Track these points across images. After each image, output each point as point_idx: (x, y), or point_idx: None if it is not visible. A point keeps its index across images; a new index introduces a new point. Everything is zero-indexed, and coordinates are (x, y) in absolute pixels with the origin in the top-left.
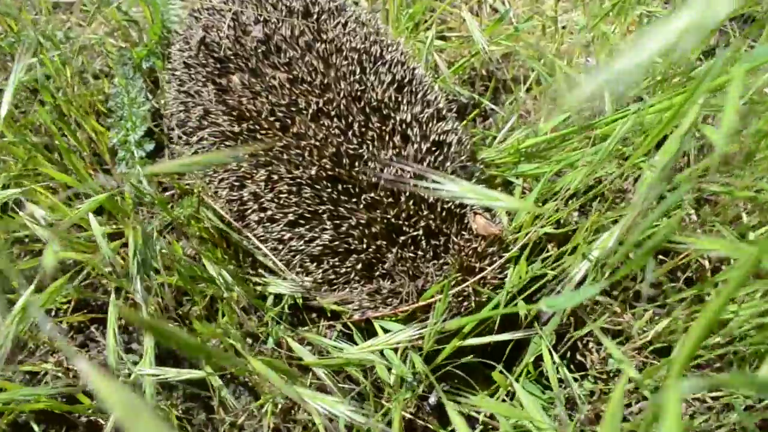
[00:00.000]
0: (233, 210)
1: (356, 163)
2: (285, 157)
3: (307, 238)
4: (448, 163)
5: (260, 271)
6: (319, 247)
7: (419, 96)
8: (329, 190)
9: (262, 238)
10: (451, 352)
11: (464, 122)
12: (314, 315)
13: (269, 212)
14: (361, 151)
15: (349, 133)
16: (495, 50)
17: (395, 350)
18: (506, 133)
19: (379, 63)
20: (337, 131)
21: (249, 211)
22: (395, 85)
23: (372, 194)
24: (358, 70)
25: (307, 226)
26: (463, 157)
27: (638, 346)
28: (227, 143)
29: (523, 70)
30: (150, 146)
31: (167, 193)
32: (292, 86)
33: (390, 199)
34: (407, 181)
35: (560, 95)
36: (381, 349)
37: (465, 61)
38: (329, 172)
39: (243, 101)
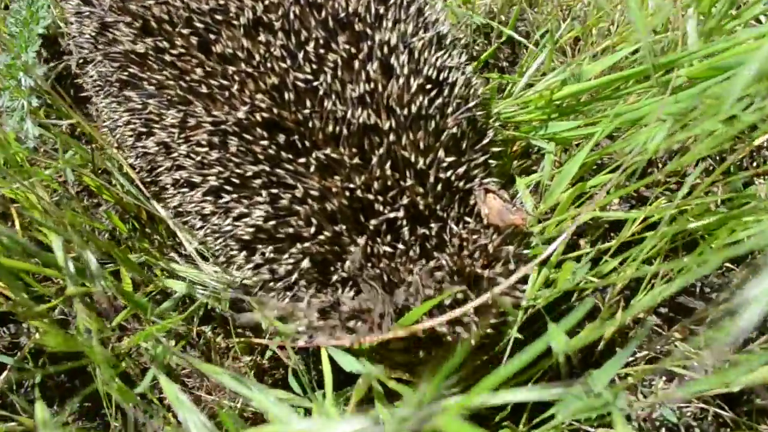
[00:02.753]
0: (144, 168)
1: (308, 103)
2: (204, 90)
3: (234, 215)
4: (449, 110)
5: (173, 256)
6: (249, 229)
7: (413, 11)
8: (266, 142)
9: (179, 210)
10: None
11: (476, 63)
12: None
13: (184, 173)
14: (316, 83)
15: (300, 55)
16: None
17: None
18: (533, 78)
19: None
20: (281, 53)
21: (161, 169)
22: None
23: (329, 150)
24: None
25: (235, 196)
26: (471, 104)
27: None
28: (129, 70)
29: (552, 20)
30: (39, 71)
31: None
32: None
33: (357, 159)
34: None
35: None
36: None
37: None
38: (267, 115)
39: (149, 4)
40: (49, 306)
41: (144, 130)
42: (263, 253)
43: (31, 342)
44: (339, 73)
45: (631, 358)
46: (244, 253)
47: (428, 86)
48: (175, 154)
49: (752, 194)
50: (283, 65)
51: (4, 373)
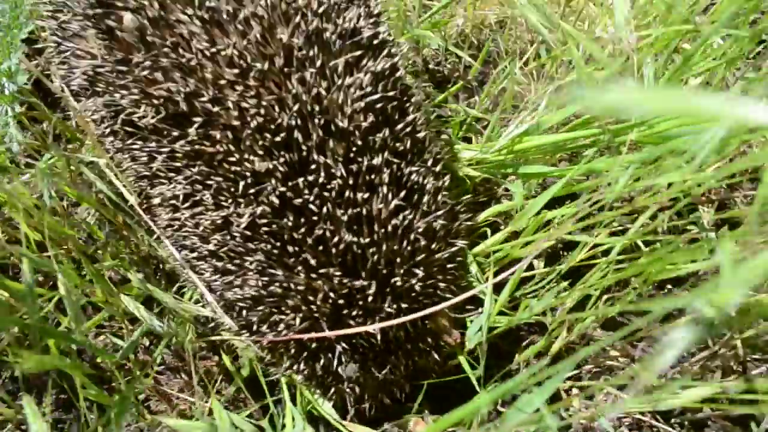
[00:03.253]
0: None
1: (302, 220)
2: (211, 183)
3: (226, 280)
4: (417, 221)
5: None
6: (238, 296)
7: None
8: (263, 245)
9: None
10: None
11: (443, 96)
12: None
13: (182, 231)
14: (311, 206)
15: (300, 181)
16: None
17: None
18: (495, 124)
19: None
20: (285, 172)
21: (158, 210)
22: None
23: (315, 262)
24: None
25: (229, 267)
26: (439, 213)
27: None
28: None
29: (520, 43)
30: (22, 78)
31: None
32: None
33: (340, 275)
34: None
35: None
36: None
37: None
38: (267, 228)
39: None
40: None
41: (147, 174)
42: (243, 315)
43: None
44: (333, 196)
45: (575, 371)
46: (222, 303)
47: (404, 203)
48: (178, 214)
49: (695, 221)
50: (283, 188)
51: None
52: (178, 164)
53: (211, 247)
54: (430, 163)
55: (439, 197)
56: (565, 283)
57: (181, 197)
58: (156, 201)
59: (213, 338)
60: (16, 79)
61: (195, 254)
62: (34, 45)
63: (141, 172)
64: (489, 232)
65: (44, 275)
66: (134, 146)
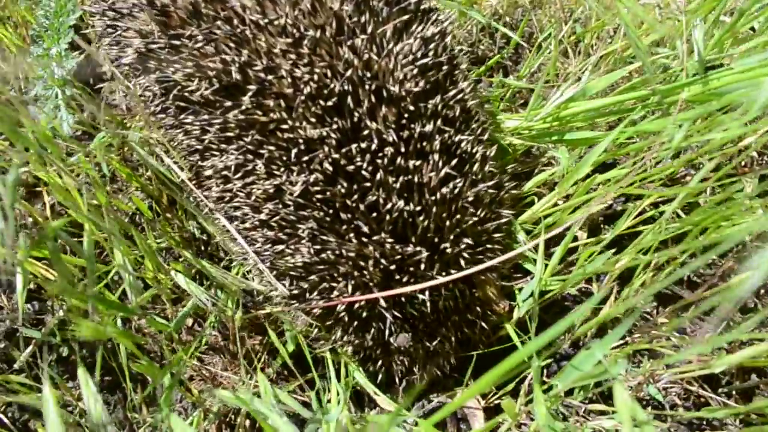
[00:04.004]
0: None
1: (355, 187)
2: (264, 152)
3: (277, 249)
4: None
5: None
6: (289, 265)
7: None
8: (317, 212)
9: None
10: None
11: (483, 68)
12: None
13: (234, 201)
14: (364, 173)
15: (354, 147)
16: None
17: None
18: (540, 93)
19: None
20: (337, 139)
21: (209, 182)
22: None
23: (368, 229)
24: None
25: (281, 236)
26: (489, 183)
27: None
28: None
29: (554, 22)
30: (71, 63)
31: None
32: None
33: (392, 241)
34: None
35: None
36: None
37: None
38: (320, 195)
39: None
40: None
41: (199, 147)
42: (294, 284)
43: (54, 319)
44: (385, 163)
45: (621, 342)
46: (274, 273)
47: (453, 171)
48: (229, 185)
49: (739, 191)
50: (336, 155)
51: (30, 347)
52: (231, 134)
53: (263, 216)
54: (478, 131)
55: (487, 166)
56: (610, 252)
57: (233, 167)
58: (208, 173)
59: (261, 312)
60: (65, 64)
61: (246, 225)
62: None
63: (193, 147)
64: (536, 200)
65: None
66: (186, 120)
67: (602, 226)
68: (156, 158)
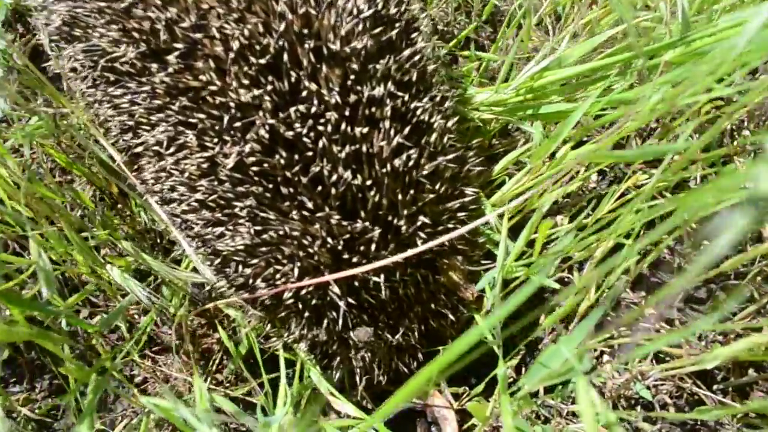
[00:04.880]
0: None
1: (296, 158)
2: (194, 121)
3: (216, 232)
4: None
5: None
6: (229, 248)
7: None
8: (255, 187)
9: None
10: None
11: (455, 41)
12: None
13: (169, 181)
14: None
15: (292, 111)
16: None
17: None
18: (513, 63)
19: None
20: (273, 102)
21: (143, 163)
22: None
23: (312, 205)
24: None
25: (219, 216)
26: (449, 156)
27: None
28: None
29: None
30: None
31: None
32: None
33: (339, 217)
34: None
35: None
36: None
37: None
38: (256, 168)
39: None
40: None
41: (130, 123)
42: (239, 271)
43: None
44: (329, 130)
45: (607, 336)
46: (218, 261)
47: (408, 142)
48: (162, 163)
49: (731, 171)
50: (273, 120)
51: None
52: (159, 102)
53: (199, 195)
54: (438, 99)
55: (446, 138)
56: (592, 237)
57: (165, 142)
58: (138, 150)
59: (206, 307)
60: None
61: (184, 206)
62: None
63: (125, 124)
64: (507, 180)
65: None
66: (115, 93)
67: (589, 213)
68: (97, 143)
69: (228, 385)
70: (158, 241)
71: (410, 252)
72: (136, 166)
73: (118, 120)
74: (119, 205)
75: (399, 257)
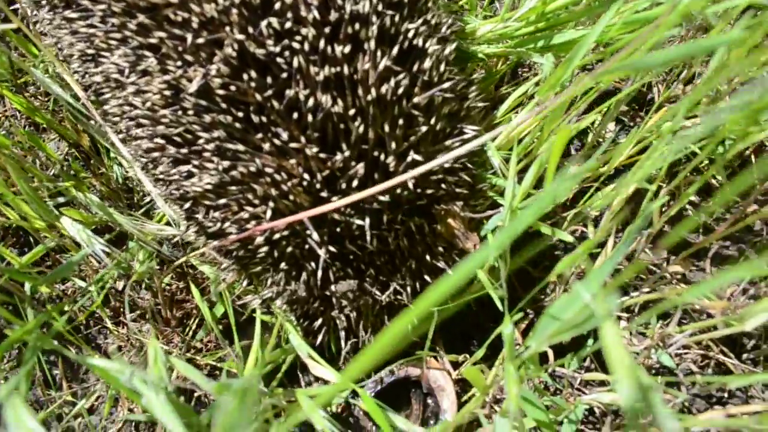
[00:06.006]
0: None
1: (269, 80)
2: (154, 41)
3: (183, 171)
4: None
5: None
6: (197, 189)
7: None
8: (222, 116)
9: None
10: None
11: None
12: None
13: (132, 112)
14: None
15: (263, 24)
16: None
17: None
18: None
19: None
20: (242, 16)
21: (106, 96)
22: None
23: (287, 136)
24: None
25: (185, 152)
26: (445, 85)
27: None
28: None
29: None
30: None
31: None
32: None
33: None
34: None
35: None
36: None
37: None
38: (223, 92)
39: None
40: None
41: (90, 53)
42: (209, 216)
43: None
44: (306, 49)
45: (626, 298)
46: (187, 205)
47: (397, 67)
48: (124, 93)
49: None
50: (242, 36)
51: None
52: (116, 21)
53: (162, 129)
54: (433, 23)
55: (443, 67)
56: (609, 187)
57: (125, 69)
58: (100, 80)
59: (178, 262)
60: None
61: (149, 143)
62: None
63: (84, 53)
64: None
65: None
66: (72, 17)
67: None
68: (62, 82)
69: (206, 352)
70: (135, 200)
71: (395, 180)
72: (100, 99)
73: (77, 49)
74: (92, 161)
75: (383, 186)
